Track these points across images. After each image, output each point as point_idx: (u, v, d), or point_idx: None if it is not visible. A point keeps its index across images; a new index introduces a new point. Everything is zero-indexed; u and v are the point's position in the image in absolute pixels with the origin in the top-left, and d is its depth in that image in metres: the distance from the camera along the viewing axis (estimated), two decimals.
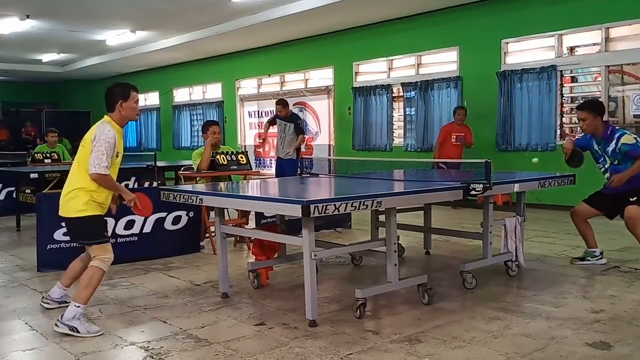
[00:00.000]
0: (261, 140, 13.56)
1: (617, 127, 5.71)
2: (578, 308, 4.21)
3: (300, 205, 3.54)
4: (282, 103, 9.70)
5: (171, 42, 14.16)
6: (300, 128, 9.35)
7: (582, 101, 9.70)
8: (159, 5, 10.86)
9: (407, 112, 11.57)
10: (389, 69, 11.99)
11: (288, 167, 9.37)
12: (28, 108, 21.46)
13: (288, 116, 9.57)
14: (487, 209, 5.00)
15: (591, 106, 5.54)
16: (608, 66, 8.94)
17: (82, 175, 3.96)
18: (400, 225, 4.84)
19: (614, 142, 5.35)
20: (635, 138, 5.34)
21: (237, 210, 6.37)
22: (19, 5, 10.90)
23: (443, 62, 11.11)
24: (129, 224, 5.98)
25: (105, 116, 4.10)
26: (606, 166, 5.48)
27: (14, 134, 20.70)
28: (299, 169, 6.51)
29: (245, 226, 6.36)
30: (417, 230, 6.17)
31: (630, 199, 5.30)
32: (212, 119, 15.02)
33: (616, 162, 5.39)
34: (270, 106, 14.56)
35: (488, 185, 4.38)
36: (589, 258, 5.59)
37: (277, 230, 4.98)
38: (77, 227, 4.06)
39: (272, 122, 10.14)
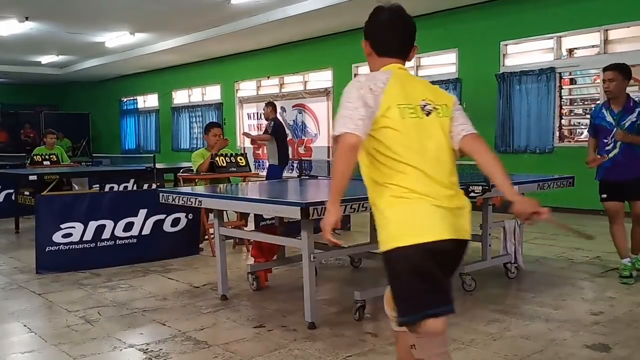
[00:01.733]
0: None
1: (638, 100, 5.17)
2: (577, 310, 4.21)
3: (299, 208, 3.54)
4: (270, 105, 9.73)
5: (170, 44, 14.16)
6: (267, 128, 9.40)
7: (581, 103, 9.80)
8: (158, 7, 10.86)
9: None
10: None
11: (268, 171, 9.49)
12: (27, 110, 21.46)
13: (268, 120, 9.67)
14: (486, 211, 5.00)
15: (621, 67, 4.93)
16: None
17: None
18: None
19: (636, 114, 4.83)
20: None
21: (236, 212, 6.37)
22: (18, 7, 10.90)
23: (442, 64, 11.12)
24: (128, 226, 5.98)
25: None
26: (618, 144, 4.88)
27: (13, 136, 20.70)
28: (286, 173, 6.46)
29: (245, 228, 6.36)
30: None
31: None
32: (212, 120, 15.05)
33: None
34: None
35: (487, 188, 4.38)
36: (633, 272, 5.01)
37: (276, 233, 4.98)
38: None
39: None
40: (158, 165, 9.37)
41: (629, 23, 8.63)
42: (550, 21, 9.39)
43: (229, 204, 4.57)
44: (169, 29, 12.89)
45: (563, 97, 9.53)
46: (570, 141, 9.48)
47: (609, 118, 4.96)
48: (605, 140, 4.98)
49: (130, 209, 6.00)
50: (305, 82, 13.97)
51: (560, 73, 9.42)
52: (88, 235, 5.77)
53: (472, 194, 4.39)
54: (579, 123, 9.62)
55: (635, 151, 4.88)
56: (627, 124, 4.86)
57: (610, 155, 4.94)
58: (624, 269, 4.98)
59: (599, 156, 5.03)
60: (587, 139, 5.76)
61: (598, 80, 9.09)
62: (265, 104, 9.75)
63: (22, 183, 8.14)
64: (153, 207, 5.98)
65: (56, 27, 12.47)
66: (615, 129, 4.88)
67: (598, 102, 9.04)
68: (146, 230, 6.07)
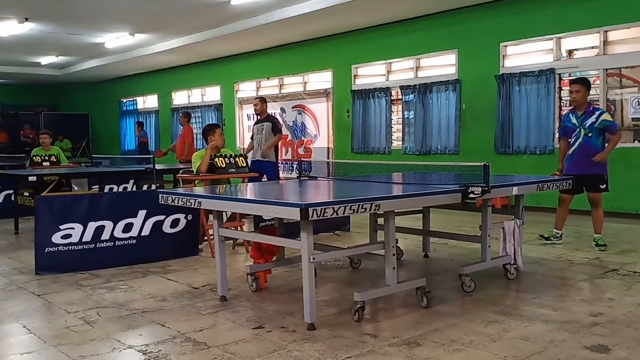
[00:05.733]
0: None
1: (597, 106, 6.76)
2: (577, 311, 4.21)
3: (298, 208, 3.54)
4: (260, 99, 9.38)
5: (170, 45, 14.17)
6: (277, 128, 9.07)
7: None
8: (157, 8, 10.86)
9: (405, 115, 11.58)
10: (388, 72, 12.00)
11: (269, 170, 9.05)
12: (27, 111, 21.47)
13: (264, 117, 9.22)
14: (485, 212, 5.00)
15: (585, 82, 6.47)
16: (606, 69, 8.96)
17: None
18: (399, 228, 4.83)
19: (595, 117, 6.23)
20: (612, 118, 6.38)
21: (232, 212, 6.36)
22: (17, 8, 10.91)
23: (442, 65, 11.13)
24: (127, 227, 5.98)
25: None
26: (579, 140, 6.27)
27: (13, 136, 20.71)
28: (280, 171, 6.44)
29: (242, 228, 6.35)
30: (416, 233, 6.17)
31: (600, 187, 6.26)
32: (210, 122, 15.08)
33: (590, 135, 6.21)
34: (270, 109, 14.55)
35: (487, 189, 4.38)
36: (551, 238, 6.67)
37: (275, 233, 4.98)
38: None
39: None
40: (157, 166, 9.37)
41: (629, 24, 8.64)
42: (549, 22, 9.40)
43: (229, 205, 4.57)
44: (169, 29, 12.90)
45: (563, 98, 9.54)
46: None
47: (574, 120, 6.35)
48: (570, 139, 6.37)
49: (129, 210, 6.00)
50: (305, 83, 13.97)
51: (559, 74, 9.42)
52: (87, 236, 5.77)
53: (471, 195, 4.39)
54: None
55: (592, 142, 6.19)
56: (587, 124, 6.22)
57: (571, 150, 6.35)
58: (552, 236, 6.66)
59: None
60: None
61: (598, 82, 9.10)
62: (261, 100, 9.33)
63: (22, 184, 8.14)
64: (152, 208, 5.98)
65: (56, 28, 12.48)
66: (578, 129, 6.28)
67: (598, 103, 9.08)
68: (145, 231, 6.07)
